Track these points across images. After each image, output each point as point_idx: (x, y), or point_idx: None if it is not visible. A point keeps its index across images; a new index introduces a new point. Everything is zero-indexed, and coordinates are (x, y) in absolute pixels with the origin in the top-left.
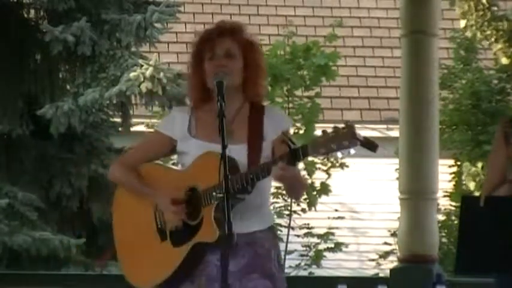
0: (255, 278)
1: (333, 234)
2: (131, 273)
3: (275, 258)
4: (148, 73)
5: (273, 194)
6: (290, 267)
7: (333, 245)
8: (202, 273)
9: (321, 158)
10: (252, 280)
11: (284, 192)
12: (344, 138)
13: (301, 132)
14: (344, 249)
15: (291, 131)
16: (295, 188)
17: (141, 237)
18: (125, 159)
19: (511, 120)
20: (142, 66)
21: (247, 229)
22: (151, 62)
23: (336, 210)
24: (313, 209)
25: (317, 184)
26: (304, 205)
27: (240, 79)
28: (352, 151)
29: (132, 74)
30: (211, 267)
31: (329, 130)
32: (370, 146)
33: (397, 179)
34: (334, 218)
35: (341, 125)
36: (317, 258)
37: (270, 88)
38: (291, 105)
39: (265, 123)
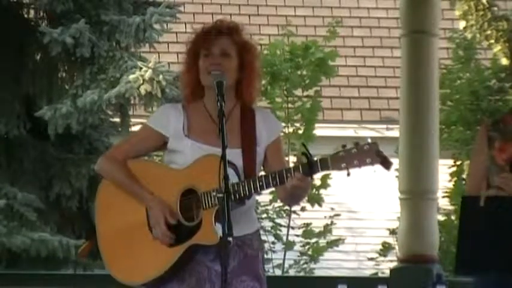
0: (245, 279)
1: (330, 231)
2: (117, 268)
3: (261, 260)
4: (147, 75)
5: (271, 193)
6: (289, 266)
7: (330, 240)
8: (192, 273)
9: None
10: (242, 282)
11: None
12: (367, 156)
13: (300, 132)
14: (343, 249)
15: (287, 130)
16: (300, 198)
17: (131, 232)
18: (114, 153)
19: (493, 124)
20: (141, 68)
21: (238, 232)
22: (150, 65)
23: (332, 209)
24: (316, 206)
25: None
26: (303, 204)
27: (234, 79)
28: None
29: (131, 76)
30: (202, 267)
31: (349, 146)
32: (387, 164)
33: (397, 177)
34: (331, 216)
35: (363, 142)
36: (316, 254)
37: (269, 87)
38: (290, 105)
39: (259, 128)
